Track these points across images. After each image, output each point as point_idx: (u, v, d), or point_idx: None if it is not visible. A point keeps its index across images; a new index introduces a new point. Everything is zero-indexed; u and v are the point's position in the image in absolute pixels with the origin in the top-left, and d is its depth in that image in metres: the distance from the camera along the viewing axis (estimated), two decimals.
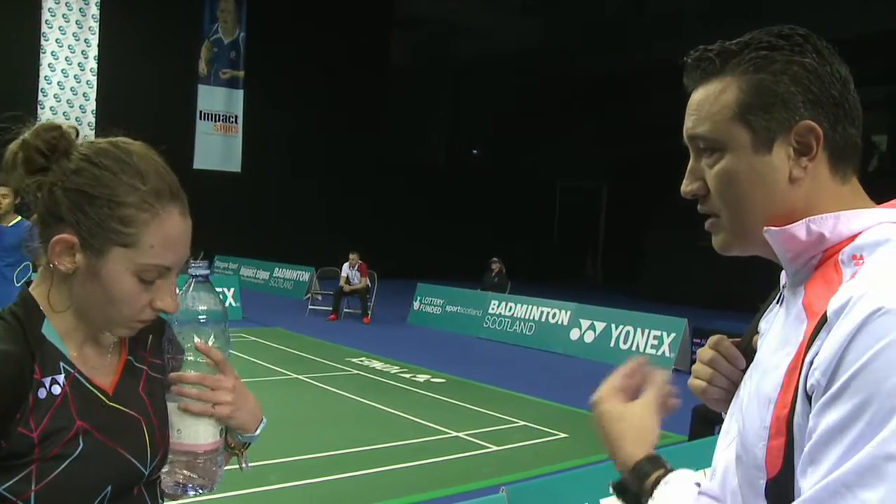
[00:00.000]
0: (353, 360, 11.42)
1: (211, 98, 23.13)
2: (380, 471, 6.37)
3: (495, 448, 7.27)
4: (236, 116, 23.49)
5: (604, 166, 29.08)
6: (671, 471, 1.16)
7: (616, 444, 1.23)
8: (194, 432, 1.42)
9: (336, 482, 6.05)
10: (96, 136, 1.46)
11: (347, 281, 16.22)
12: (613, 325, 12.96)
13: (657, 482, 1.14)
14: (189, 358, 1.43)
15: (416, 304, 16.62)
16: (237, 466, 1.55)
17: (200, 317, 1.43)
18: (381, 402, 8.80)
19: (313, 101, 24.31)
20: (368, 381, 10.11)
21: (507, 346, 13.87)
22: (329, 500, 5.72)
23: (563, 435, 7.70)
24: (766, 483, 1.04)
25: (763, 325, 1.21)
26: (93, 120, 20.39)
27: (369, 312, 16.09)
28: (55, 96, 20.07)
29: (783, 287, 1.20)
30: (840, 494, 0.91)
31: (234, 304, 15.05)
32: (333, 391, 9.44)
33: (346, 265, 16.33)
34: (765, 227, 1.11)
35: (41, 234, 1.34)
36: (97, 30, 20.54)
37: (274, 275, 20.57)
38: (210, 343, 1.43)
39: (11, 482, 1.24)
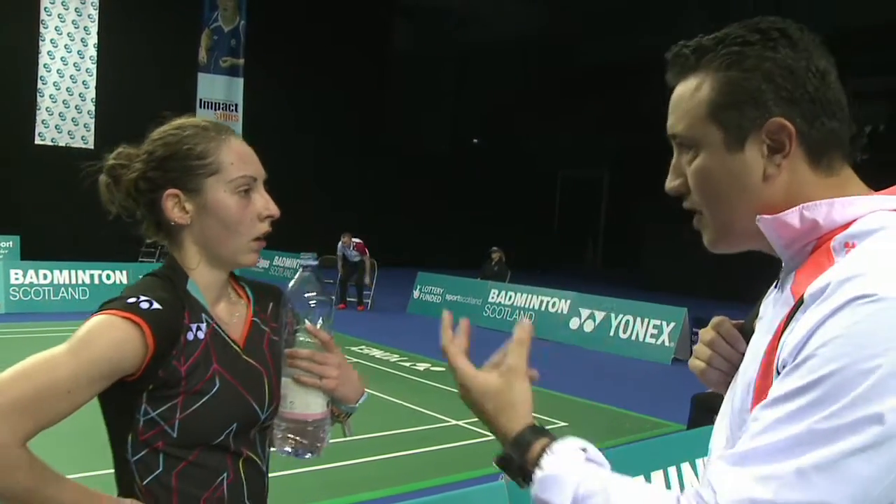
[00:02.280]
0: (353, 348, 11.43)
1: (211, 86, 23.08)
2: (379, 459, 6.39)
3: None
4: (236, 105, 23.44)
5: (605, 155, 29.07)
6: (556, 439, 1.13)
7: (495, 420, 1.21)
8: (304, 403, 1.64)
9: (335, 470, 6.06)
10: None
11: (344, 261, 15.97)
12: (613, 315, 12.96)
13: (543, 451, 1.11)
14: (301, 338, 1.64)
15: (416, 293, 16.63)
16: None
17: (311, 302, 1.64)
18: (381, 391, 8.81)
19: (314, 89, 24.27)
20: (368, 370, 10.12)
21: (506, 335, 13.68)
22: (329, 487, 5.73)
23: (562, 423, 7.71)
24: None
25: (762, 309, 1.21)
26: (92, 108, 20.36)
27: (365, 300, 16.06)
28: (54, 84, 20.02)
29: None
30: (770, 456, 0.92)
31: None
32: None
33: (339, 245, 16.17)
34: (757, 216, 1.10)
35: (156, 220, 1.66)
36: (96, 17, 20.48)
37: (274, 263, 20.55)
38: (319, 325, 1.65)
39: (163, 409, 1.53)
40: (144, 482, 1.56)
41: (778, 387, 0.95)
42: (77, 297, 14.04)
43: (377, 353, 11.29)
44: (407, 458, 6.54)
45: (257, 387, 1.64)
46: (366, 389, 1.78)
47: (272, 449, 1.72)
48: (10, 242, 18.04)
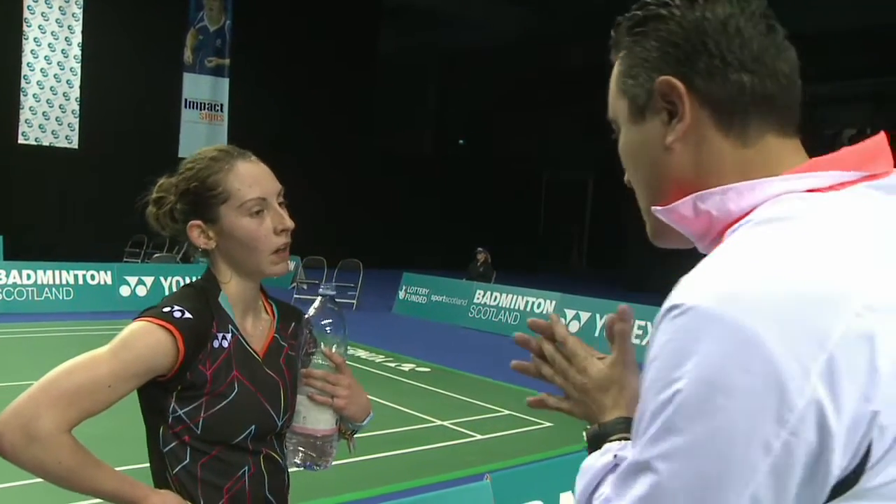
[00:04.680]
0: None
1: (196, 86, 22.99)
2: (364, 459, 6.38)
3: (480, 437, 7.29)
4: (222, 105, 23.36)
5: (590, 157, 29.09)
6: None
7: (613, 406, 1.21)
8: (315, 419, 1.82)
9: (319, 471, 6.06)
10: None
11: None
12: (598, 315, 13.00)
13: (616, 439, 1.12)
14: (317, 359, 1.82)
15: (401, 294, 16.62)
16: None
17: (327, 327, 1.82)
18: (366, 391, 8.79)
19: (299, 89, 24.21)
20: (353, 370, 9.94)
21: (492, 336, 13.89)
22: (312, 488, 5.72)
23: (547, 424, 7.73)
24: None
25: None
26: (77, 107, 20.23)
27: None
28: (38, 83, 19.89)
29: None
30: (614, 486, 0.88)
31: None
32: None
33: None
34: (652, 207, 1.00)
35: (191, 241, 1.85)
36: (80, 16, 20.35)
37: None
38: (333, 349, 1.83)
39: (189, 408, 1.72)
40: (174, 471, 1.75)
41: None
42: (61, 297, 13.95)
43: (362, 353, 11.28)
44: (392, 458, 6.54)
45: (274, 395, 1.82)
46: (372, 411, 1.98)
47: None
48: None
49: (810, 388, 0.73)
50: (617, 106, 1.04)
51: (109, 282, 14.44)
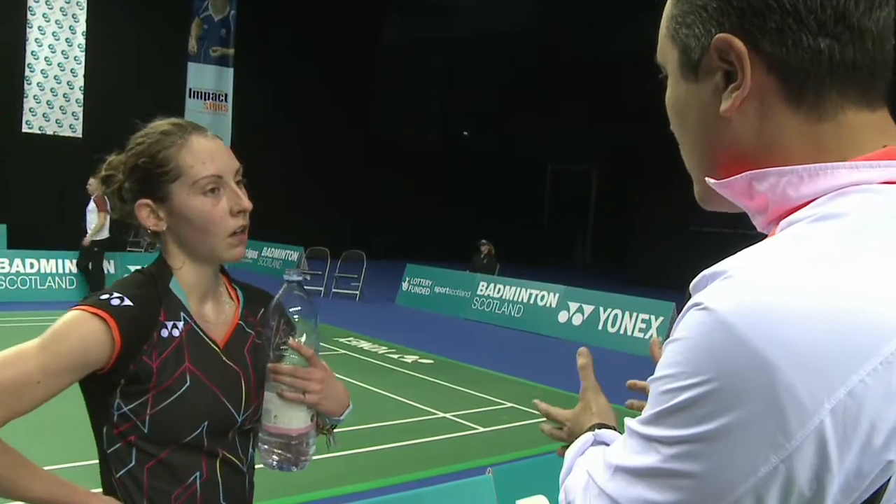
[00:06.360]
0: (341, 339, 11.42)
1: (201, 76, 22.94)
2: (366, 451, 6.38)
3: (482, 429, 7.29)
4: (226, 95, 23.31)
5: (595, 149, 29.07)
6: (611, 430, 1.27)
7: (587, 426, 1.33)
8: (288, 418, 1.63)
9: (322, 462, 6.03)
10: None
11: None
12: (601, 308, 12.98)
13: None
14: (286, 352, 1.63)
15: (404, 285, 16.61)
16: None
17: (295, 316, 1.63)
18: (369, 383, 8.81)
19: (303, 79, 24.17)
20: (356, 362, 10.11)
21: (495, 328, 13.89)
22: (315, 480, 5.72)
23: None
24: None
25: None
26: (80, 96, 20.19)
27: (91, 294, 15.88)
28: (42, 71, 19.84)
29: None
30: (616, 448, 0.85)
31: None
32: None
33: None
34: (706, 178, 0.87)
35: (140, 222, 1.69)
36: (85, 4, 20.28)
37: (263, 254, 20.48)
38: (302, 340, 1.63)
39: (134, 405, 1.57)
40: (118, 475, 1.61)
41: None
42: (64, 286, 13.97)
43: (365, 344, 11.28)
44: (394, 450, 6.54)
45: (233, 388, 1.67)
46: (350, 403, 1.77)
47: (261, 465, 1.73)
48: None
49: (816, 420, 0.67)
50: (666, 51, 0.90)
51: (112, 271, 14.43)
